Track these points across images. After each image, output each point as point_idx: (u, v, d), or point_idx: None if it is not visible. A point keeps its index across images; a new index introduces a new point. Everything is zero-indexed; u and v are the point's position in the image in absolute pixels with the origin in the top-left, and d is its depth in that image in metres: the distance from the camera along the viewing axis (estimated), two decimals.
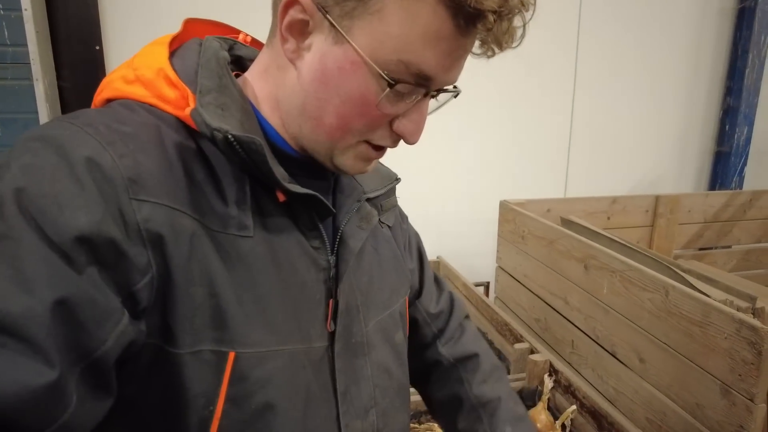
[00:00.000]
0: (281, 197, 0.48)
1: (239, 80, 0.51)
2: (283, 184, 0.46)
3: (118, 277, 0.39)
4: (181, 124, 0.46)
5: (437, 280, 0.80)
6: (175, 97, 0.46)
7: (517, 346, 1.13)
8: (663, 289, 1.03)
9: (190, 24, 0.54)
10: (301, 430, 0.48)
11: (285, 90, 0.49)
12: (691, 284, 1.09)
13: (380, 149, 0.50)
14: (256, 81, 0.51)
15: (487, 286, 1.99)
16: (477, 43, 0.46)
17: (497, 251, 1.82)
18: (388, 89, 0.44)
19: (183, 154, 0.44)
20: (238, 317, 0.44)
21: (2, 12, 1.59)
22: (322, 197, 0.49)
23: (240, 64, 0.56)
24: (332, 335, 0.52)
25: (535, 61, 2.07)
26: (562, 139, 2.20)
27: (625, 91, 2.21)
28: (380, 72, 0.43)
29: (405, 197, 2.14)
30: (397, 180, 0.66)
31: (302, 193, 0.47)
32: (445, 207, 2.12)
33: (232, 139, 0.44)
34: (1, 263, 0.35)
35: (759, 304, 1.09)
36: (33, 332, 0.34)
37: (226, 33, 0.56)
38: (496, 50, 0.46)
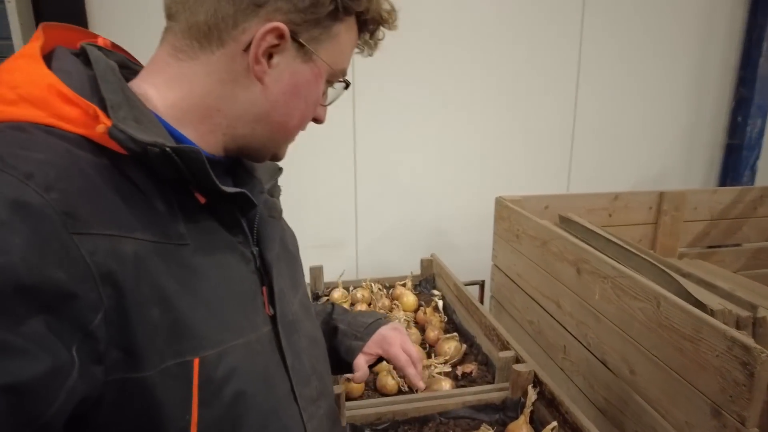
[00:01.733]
0: (201, 200, 0.50)
1: (135, 89, 0.50)
2: (219, 186, 0.48)
3: (71, 321, 0.38)
4: (88, 142, 0.44)
5: None
6: (77, 115, 0.43)
7: (502, 354, 1.08)
8: (654, 300, 0.97)
9: (48, 30, 0.50)
10: (269, 407, 0.53)
11: (238, 101, 0.52)
12: (687, 292, 1.03)
13: None
14: (168, 91, 0.51)
15: (482, 285, 1.94)
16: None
17: (493, 249, 1.77)
18: (335, 87, 0.60)
19: (103, 174, 0.43)
20: (196, 323, 0.46)
21: None
22: (248, 193, 0.52)
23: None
24: (273, 319, 0.56)
25: (536, 52, 2.00)
26: (565, 133, 2.13)
27: (630, 81, 2.12)
28: (342, 79, 0.59)
29: (404, 192, 2.10)
30: (280, 170, 0.70)
31: (233, 192, 0.50)
32: (442, 202, 2.07)
33: (170, 152, 0.44)
34: None
35: (761, 314, 1.03)
36: None
37: (86, 38, 0.54)
38: (374, 51, 0.61)
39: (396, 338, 0.82)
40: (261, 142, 0.56)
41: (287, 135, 0.58)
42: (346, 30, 0.55)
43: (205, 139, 0.53)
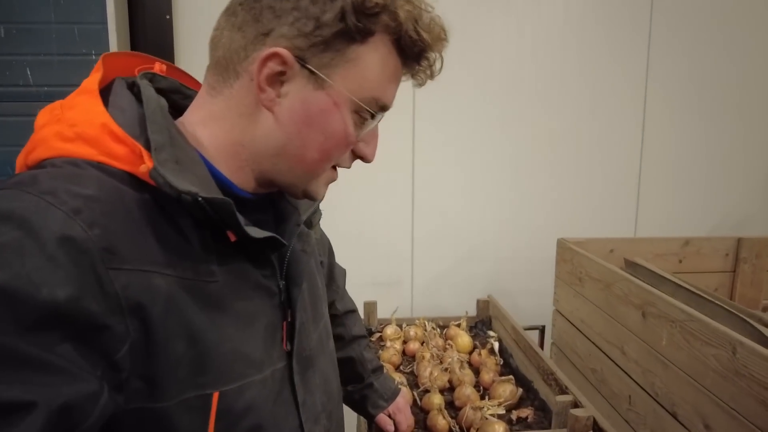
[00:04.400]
0: (232, 237, 0.51)
1: (181, 128, 0.52)
2: (246, 231, 0.49)
3: (99, 350, 0.40)
4: (134, 179, 0.46)
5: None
6: (125, 154, 0.46)
7: (560, 398, 1.03)
8: (730, 345, 0.90)
9: (109, 60, 0.54)
10: None
11: (257, 135, 0.52)
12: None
13: (336, 171, 0.57)
14: (202, 128, 0.53)
15: (542, 330, 1.86)
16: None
17: (554, 293, 1.71)
18: (369, 119, 0.53)
19: (144, 210, 0.45)
20: (219, 358, 0.47)
21: (94, 57, 1.77)
22: (277, 236, 0.52)
23: (164, 98, 0.56)
24: (289, 354, 0.57)
25: (601, 92, 1.97)
26: (631, 174, 2.05)
27: (702, 119, 2.02)
28: (366, 108, 0.52)
29: (461, 232, 2.08)
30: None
31: (263, 237, 0.51)
32: (501, 244, 2.03)
33: (203, 202, 0.46)
34: None
35: None
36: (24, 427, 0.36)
37: (143, 63, 0.58)
38: (427, 80, 0.57)
39: (406, 409, 1.05)
40: (287, 178, 0.54)
41: (309, 170, 0.53)
42: (370, 53, 0.50)
43: (238, 176, 0.54)
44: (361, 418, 1.08)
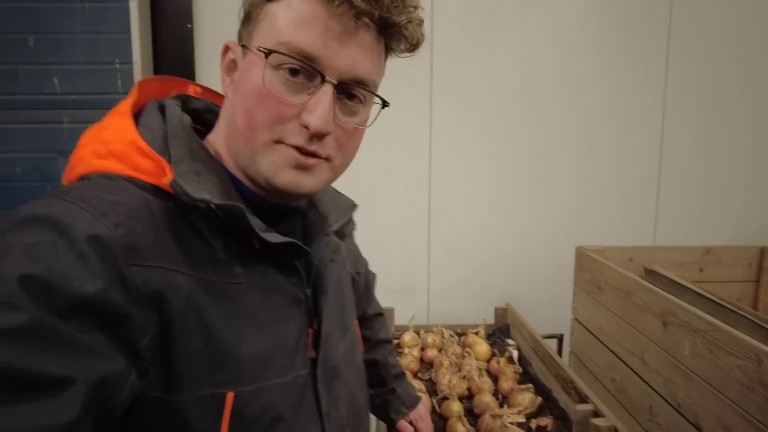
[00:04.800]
0: (257, 245, 0.53)
1: (207, 143, 0.57)
2: (262, 236, 0.50)
3: (124, 338, 0.43)
4: (161, 190, 0.50)
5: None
6: (150, 168, 0.50)
7: (580, 407, 1.02)
8: (755, 356, 0.89)
9: (144, 85, 0.58)
10: None
11: (225, 126, 0.55)
12: None
13: (307, 155, 0.52)
14: (219, 138, 0.57)
15: (560, 338, 1.85)
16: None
17: (573, 301, 1.70)
18: (284, 75, 0.50)
19: (168, 217, 0.48)
20: (236, 358, 0.49)
21: (117, 65, 1.81)
22: (297, 242, 0.53)
23: (196, 117, 0.60)
24: (313, 362, 0.57)
25: (619, 98, 1.96)
26: (651, 181, 2.04)
27: (723, 124, 2.00)
28: (277, 51, 0.49)
29: (478, 239, 2.08)
30: (354, 206, 0.70)
31: (280, 242, 0.52)
32: (518, 252, 2.03)
33: (216, 208, 0.48)
34: (26, 342, 0.38)
35: None
36: (61, 386, 0.38)
37: (177, 87, 0.62)
38: (374, 12, 0.49)
39: (427, 417, 1.05)
40: (242, 164, 0.53)
41: (245, 142, 0.51)
42: (280, 6, 0.50)
43: (246, 180, 0.55)
44: (380, 423, 1.09)
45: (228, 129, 0.54)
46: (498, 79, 1.92)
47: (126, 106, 0.54)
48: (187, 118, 0.55)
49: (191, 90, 0.63)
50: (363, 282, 0.94)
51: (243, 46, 0.53)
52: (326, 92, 0.50)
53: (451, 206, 1.99)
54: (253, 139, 0.51)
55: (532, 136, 1.97)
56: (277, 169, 0.51)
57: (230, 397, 0.48)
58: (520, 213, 2.02)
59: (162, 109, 0.56)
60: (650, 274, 1.55)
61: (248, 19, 0.53)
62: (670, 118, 1.98)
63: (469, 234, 2.01)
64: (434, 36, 1.85)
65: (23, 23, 1.75)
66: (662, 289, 1.26)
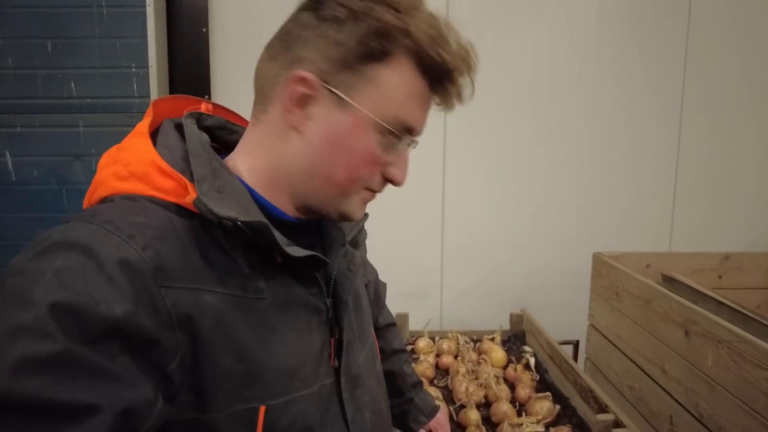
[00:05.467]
0: (278, 258, 0.54)
1: (226, 160, 0.57)
2: (286, 251, 0.51)
3: (153, 363, 0.43)
4: (183, 209, 0.50)
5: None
6: (172, 187, 0.50)
7: (601, 416, 1.01)
8: None
9: (159, 105, 0.58)
10: None
11: (287, 157, 0.55)
12: None
13: (374, 193, 0.59)
14: (247, 157, 0.57)
15: (576, 344, 1.83)
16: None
17: (590, 308, 1.69)
18: (396, 141, 0.55)
19: (193, 235, 0.49)
20: (266, 373, 0.49)
21: (134, 69, 1.82)
22: (318, 255, 0.54)
23: (210, 134, 0.60)
24: (337, 371, 0.58)
25: (636, 102, 1.94)
26: (667, 186, 2.02)
27: (741, 129, 1.97)
28: (389, 128, 0.53)
29: (492, 245, 2.06)
30: (366, 216, 0.70)
31: (303, 255, 0.53)
32: (532, 257, 2.02)
33: (242, 226, 0.49)
34: (52, 371, 0.38)
35: None
36: (86, 415, 0.38)
37: (190, 104, 0.62)
38: (457, 104, 0.57)
39: (446, 425, 1.03)
40: (319, 199, 0.56)
41: (338, 190, 0.55)
42: (391, 73, 0.52)
43: (279, 201, 0.56)
44: None
45: (307, 170, 0.54)
46: (512, 83, 1.91)
47: (143, 127, 0.55)
48: (205, 137, 0.56)
49: (203, 108, 0.63)
50: (372, 291, 0.94)
51: (335, 93, 0.52)
52: (408, 153, 0.58)
53: (465, 211, 1.99)
54: (349, 189, 0.56)
55: (547, 141, 1.95)
56: (356, 208, 0.58)
57: (262, 410, 0.48)
58: (533, 218, 2.01)
59: (178, 128, 0.56)
60: (668, 281, 1.54)
61: (347, 67, 0.52)
62: (687, 123, 1.96)
63: (482, 239, 2.00)
64: None
65: (42, 29, 1.76)
66: (682, 297, 1.25)
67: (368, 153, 0.54)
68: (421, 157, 1.97)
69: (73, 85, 1.80)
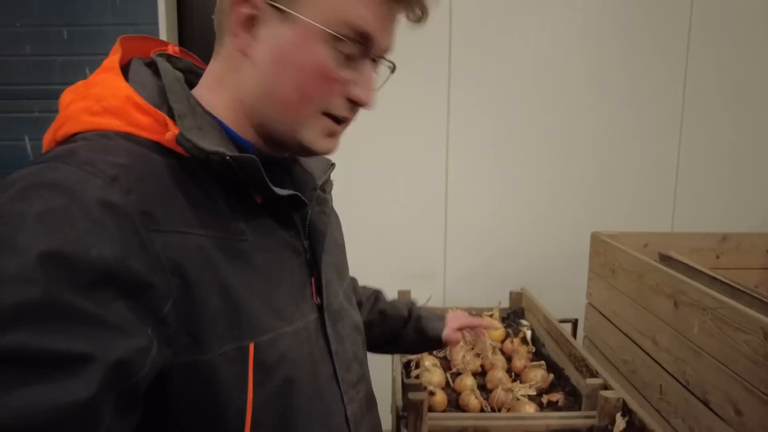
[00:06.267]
0: (258, 199, 0.54)
1: (198, 96, 0.55)
2: (273, 190, 0.52)
3: (147, 307, 0.42)
4: (160, 147, 0.49)
5: None
6: (149, 123, 0.49)
7: (590, 380, 1.06)
8: (761, 330, 0.91)
9: (125, 42, 0.56)
10: (314, 389, 0.56)
11: (245, 85, 0.53)
12: None
13: (341, 122, 0.55)
14: (211, 93, 0.55)
15: (575, 323, 1.87)
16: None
17: (587, 287, 1.72)
18: (352, 50, 0.51)
19: (174, 175, 0.48)
20: (251, 312, 0.50)
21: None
22: (299, 194, 0.55)
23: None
24: (320, 307, 0.60)
25: (638, 85, 1.95)
26: (669, 168, 2.03)
27: (743, 111, 1.98)
28: (333, 33, 0.49)
29: (494, 226, 2.09)
30: (333, 165, 0.71)
31: (287, 194, 0.53)
32: (534, 239, 2.05)
33: (231, 160, 0.48)
34: (42, 320, 0.37)
35: None
36: (80, 364, 0.37)
37: (157, 46, 0.60)
38: (419, 12, 0.53)
39: (463, 313, 1.05)
40: (277, 127, 0.54)
41: (293, 113, 0.53)
42: None
43: (249, 135, 0.56)
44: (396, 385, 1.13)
45: (260, 95, 0.53)
46: (515, 69, 1.94)
47: (113, 62, 0.52)
48: (179, 74, 0.54)
49: (170, 50, 0.61)
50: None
51: (278, 8, 0.50)
52: (371, 68, 0.54)
53: (468, 193, 2.02)
54: (303, 112, 0.53)
55: (549, 124, 1.98)
56: (317, 137, 0.55)
57: (251, 348, 0.49)
58: (536, 200, 2.04)
59: (150, 66, 0.55)
60: (665, 260, 1.57)
61: None
62: (690, 106, 1.98)
63: (485, 221, 2.04)
64: (453, 26, 1.87)
65: (58, 16, 1.83)
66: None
67: (318, 67, 0.50)
68: (424, 139, 2.03)
69: (87, 70, 1.86)
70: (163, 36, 1.83)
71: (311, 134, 0.54)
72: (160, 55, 0.58)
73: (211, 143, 0.48)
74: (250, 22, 0.51)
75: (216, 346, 0.47)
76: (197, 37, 1.93)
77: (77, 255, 0.38)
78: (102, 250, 0.39)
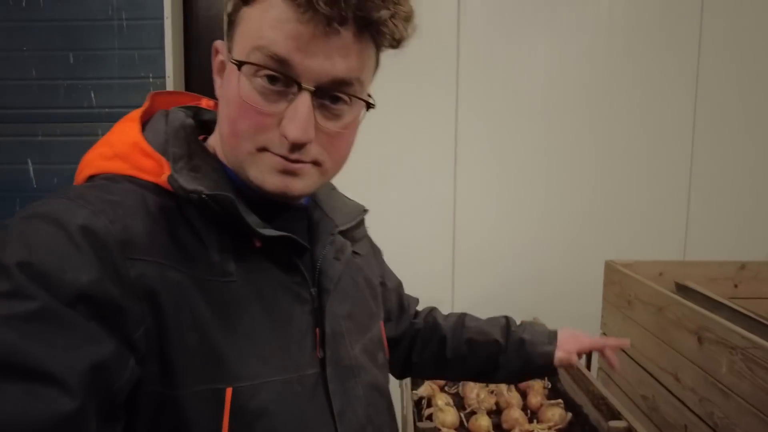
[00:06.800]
0: (258, 243, 0.54)
1: (207, 143, 0.59)
2: (256, 229, 0.51)
3: (118, 329, 0.44)
4: (161, 189, 0.51)
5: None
6: (151, 167, 0.52)
7: (613, 423, 1.00)
8: None
9: (156, 97, 0.61)
10: None
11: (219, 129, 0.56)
12: None
13: (294, 162, 0.51)
14: (214, 138, 0.58)
15: (589, 354, 1.81)
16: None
17: (602, 317, 1.67)
18: (264, 85, 0.49)
19: (165, 214, 0.50)
20: (231, 355, 0.49)
21: (151, 80, 1.87)
22: (294, 236, 0.54)
23: (207, 128, 0.61)
24: (322, 361, 0.56)
25: (649, 109, 1.93)
26: (680, 193, 1.99)
27: (756, 134, 1.94)
28: (248, 62, 0.49)
29: (504, 254, 2.05)
30: (365, 211, 0.70)
31: (276, 235, 0.52)
32: (544, 267, 2.01)
33: (207, 198, 0.49)
34: (20, 325, 0.39)
35: None
36: (62, 376, 0.39)
37: (189, 101, 0.64)
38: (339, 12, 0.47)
39: (579, 333, 0.91)
40: (234, 168, 0.54)
41: (234, 149, 0.52)
42: (253, 10, 0.49)
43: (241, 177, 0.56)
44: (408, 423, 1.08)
45: (220, 133, 0.56)
46: (524, 91, 1.92)
47: (135, 114, 0.57)
48: (190, 122, 0.57)
49: (204, 103, 0.64)
50: (396, 298, 0.89)
51: (229, 50, 0.53)
52: (303, 101, 0.49)
53: (476, 219, 1.99)
54: (238, 147, 0.52)
55: (559, 149, 1.95)
56: (264, 175, 0.52)
57: (229, 392, 0.48)
58: (546, 226, 2.00)
59: (167, 116, 0.58)
60: (682, 290, 1.52)
61: (230, 23, 0.52)
62: (701, 129, 1.95)
63: (494, 248, 2.00)
64: (461, 46, 1.86)
65: (64, 41, 1.82)
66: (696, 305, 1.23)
67: (239, 99, 0.49)
68: (432, 163, 2.00)
69: (93, 95, 1.85)
70: (168, 62, 1.81)
71: (255, 171, 0.52)
72: (189, 108, 0.61)
73: (199, 184, 0.50)
74: (221, 68, 0.56)
75: (188, 382, 0.46)
76: (203, 61, 1.92)
77: (53, 274, 0.40)
78: (77, 273, 0.41)
